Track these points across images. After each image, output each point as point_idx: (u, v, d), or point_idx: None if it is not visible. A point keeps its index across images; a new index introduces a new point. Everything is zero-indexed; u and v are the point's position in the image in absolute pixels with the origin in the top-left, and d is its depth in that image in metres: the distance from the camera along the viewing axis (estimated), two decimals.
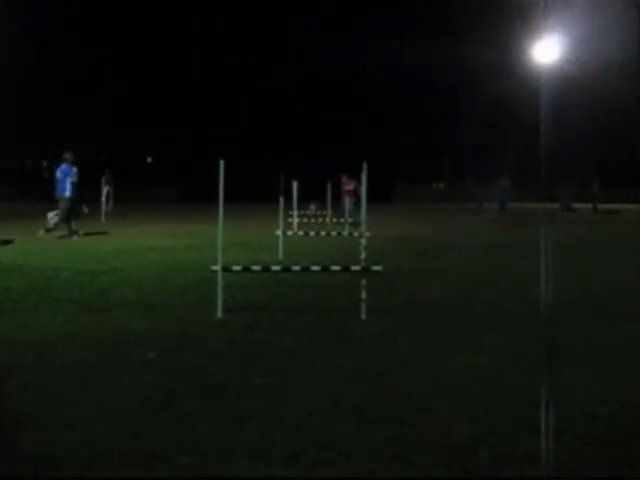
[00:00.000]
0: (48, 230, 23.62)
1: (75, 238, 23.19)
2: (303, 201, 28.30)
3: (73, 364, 7.36)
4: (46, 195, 61.29)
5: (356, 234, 15.86)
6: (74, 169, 23.95)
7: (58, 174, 24.06)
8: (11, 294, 11.89)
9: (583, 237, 25.01)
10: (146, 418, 5.75)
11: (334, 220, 27.64)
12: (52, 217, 24.07)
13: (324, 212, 28.89)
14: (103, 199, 37.74)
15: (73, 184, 23.79)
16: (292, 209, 25.34)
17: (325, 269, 11.20)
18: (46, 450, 5.06)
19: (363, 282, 10.18)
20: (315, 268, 11.16)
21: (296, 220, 25.41)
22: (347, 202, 32.49)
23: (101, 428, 5.50)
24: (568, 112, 55.95)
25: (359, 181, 26.66)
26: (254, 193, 55.59)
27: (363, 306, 10.04)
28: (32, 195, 63.59)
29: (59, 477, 4.67)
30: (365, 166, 10.75)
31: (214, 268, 10.49)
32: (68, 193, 23.58)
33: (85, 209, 34.56)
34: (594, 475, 4.78)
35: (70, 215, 23.68)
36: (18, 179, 74.60)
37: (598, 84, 59.53)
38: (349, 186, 32.65)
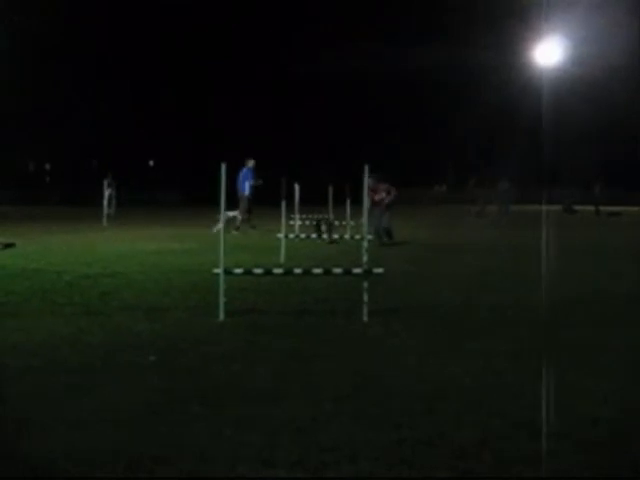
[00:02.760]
0: (237, 229, 26.69)
1: (251, 231, 26.87)
2: (305, 204, 28.23)
3: (75, 367, 7.37)
4: (49, 199, 61.05)
5: (357, 237, 15.86)
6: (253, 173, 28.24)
7: (240, 177, 27.75)
8: (13, 298, 11.90)
9: (584, 240, 25.00)
10: (148, 421, 5.76)
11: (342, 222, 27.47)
12: (231, 216, 26.55)
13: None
14: (105, 202, 37.74)
15: (252, 186, 27.76)
16: (294, 212, 25.33)
17: (327, 272, 11.21)
18: (48, 453, 5.07)
19: (365, 285, 10.19)
20: (317, 271, 11.17)
21: (298, 223, 25.42)
22: (377, 213, 22.53)
23: (103, 431, 5.50)
24: (570, 114, 56.08)
25: (388, 189, 22.68)
26: (256, 196, 55.57)
27: (365, 309, 10.05)
28: (35, 199, 63.67)
29: (60, 479, 4.68)
30: (367, 169, 10.76)
31: (216, 271, 10.50)
32: (247, 193, 27.37)
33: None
34: (595, 477, 4.78)
35: (250, 211, 27.55)
36: (20, 183, 74.59)
37: (600, 86, 59.65)
38: (378, 195, 22.59)
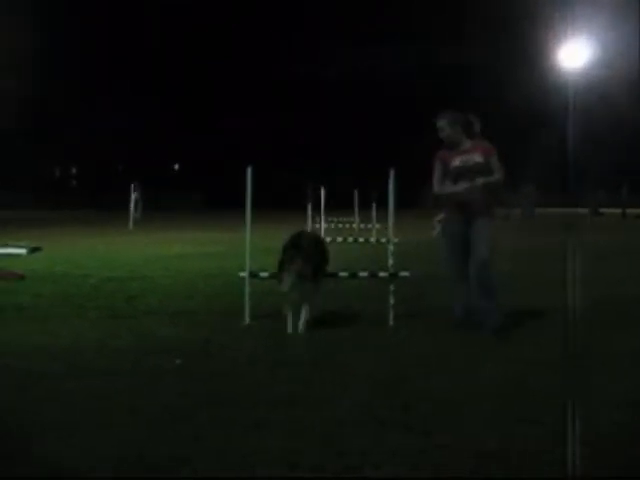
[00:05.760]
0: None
1: None
2: (331, 208, 28.23)
3: (101, 371, 7.38)
4: (74, 203, 61.57)
5: (384, 240, 15.82)
6: None
7: None
8: (40, 301, 11.96)
9: (610, 243, 24.82)
10: (171, 424, 5.75)
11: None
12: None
13: None
14: (132, 206, 37.94)
15: None
16: (320, 215, 25.34)
17: (353, 275, 11.18)
18: (71, 456, 5.07)
19: (391, 288, 10.17)
20: (343, 274, 11.15)
21: (324, 226, 25.44)
22: (456, 233, 9.75)
23: (126, 434, 5.50)
24: (597, 116, 55.57)
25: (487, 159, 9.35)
26: (281, 199, 55.73)
27: (391, 312, 10.02)
28: (61, 203, 64.07)
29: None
30: (392, 173, 10.71)
31: (242, 274, 10.52)
32: None
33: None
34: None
35: None
36: (46, 187, 75.09)
37: (627, 88, 59.24)
38: (454, 160, 9.42)
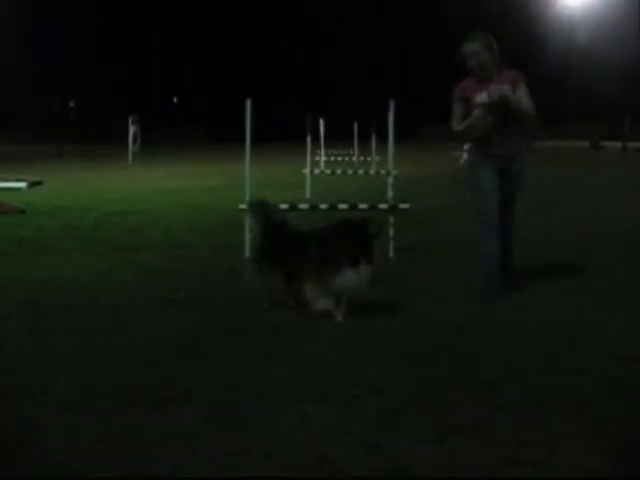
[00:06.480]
0: None
1: None
2: (330, 140, 28.09)
3: (104, 304, 7.44)
4: (73, 136, 61.33)
5: (383, 172, 15.79)
6: None
7: None
8: (43, 235, 12.02)
9: (610, 177, 24.76)
10: (178, 356, 5.80)
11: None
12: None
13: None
14: (130, 140, 37.81)
15: None
16: (319, 148, 25.27)
17: (353, 207, 11.18)
18: (77, 391, 5.11)
19: (391, 220, 10.19)
20: (343, 206, 11.14)
21: (323, 159, 25.38)
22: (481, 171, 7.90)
23: (134, 368, 5.55)
24: (600, 49, 55.23)
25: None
26: (282, 133, 55.48)
27: (391, 244, 10.05)
28: (60, 137, 63.71)
29: (92, 416, 4.72)
30: (392, 105, 10.68)
31: (241, 207, 10.52)
32: None
33: None
34: (620, 413, 4.76)
35: None
36: (44, 121, 74.64)
37: (631, 21, 58.70)
38: (484, 93, 7.65)
